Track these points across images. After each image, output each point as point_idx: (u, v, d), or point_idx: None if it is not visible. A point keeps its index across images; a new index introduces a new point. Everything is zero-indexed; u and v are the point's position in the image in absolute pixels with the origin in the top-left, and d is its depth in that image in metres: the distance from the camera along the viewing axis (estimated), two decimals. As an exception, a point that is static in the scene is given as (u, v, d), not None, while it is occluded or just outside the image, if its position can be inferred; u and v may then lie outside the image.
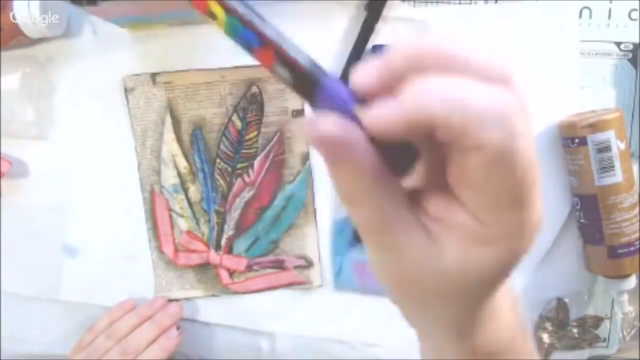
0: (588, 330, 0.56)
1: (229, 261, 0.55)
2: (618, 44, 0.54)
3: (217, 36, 0.54)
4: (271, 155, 0.54)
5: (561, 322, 0.56)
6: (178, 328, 0.54)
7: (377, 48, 0.52)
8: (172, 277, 0.55)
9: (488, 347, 0.25)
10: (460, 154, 0.19)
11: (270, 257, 0.55)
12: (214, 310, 0.56)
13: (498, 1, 0.53)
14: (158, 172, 0.54)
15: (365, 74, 0.20)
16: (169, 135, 0.54)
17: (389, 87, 0.19)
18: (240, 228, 0.55)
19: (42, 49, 0.53)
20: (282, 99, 0.53)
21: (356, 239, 0.54)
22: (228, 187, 0.54)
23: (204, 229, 0.55)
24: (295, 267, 0.55)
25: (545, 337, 0.56)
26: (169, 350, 0.52)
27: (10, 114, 0.52)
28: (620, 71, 0.54)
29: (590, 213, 0.51)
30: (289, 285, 0.55)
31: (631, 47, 0.54)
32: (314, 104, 0.21)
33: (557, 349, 0.56)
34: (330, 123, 0.19)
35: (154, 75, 0.53)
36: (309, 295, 0.56)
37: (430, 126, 0.19)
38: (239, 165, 0.54)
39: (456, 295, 0.22)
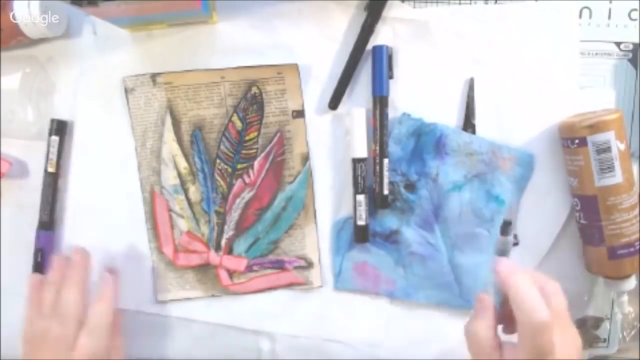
0: (588, 331, 0.56)
1: (229, 262, 0.55)
2: (618, 44, 0.54)
3: (217, 36, 0.54)
4: (271, 156, 0.54)
5: (561, 323, 0.56)
6: (110, 270, 0.51)
7: (377, 48, 0.52)
8: (172, 277, 0.55)
9: None
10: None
11: (271, 258, 0.55)
12: (214, 310, 0.56)
13: (498, 1, 0.53)
14: (158, 173, 0.54)
15: None
16: (169, 135, 0.54)
17: None
18: (241, 228, 0.55)
19: (42, 49, 0.53)
20: (282, 100, 0.53)
21: (356, 239, 0.54)
22: (228, 188, 0.54)
23: (204, 229, 0.55)
24: (295, 268, 0.55)
25: (545, 337, 0.56)
26: (111, 296, 0.48)
27: (10, 114, 0.52)
28: (620, 71, 0.54)
29: (590, 214, 0.51)
30: (289, 285, 0.56)
31: (631, 47, 0.54)
32: None
33: (557, 349, 0.56)
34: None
35: (154, 76, 0.53)
36: (309, 295, 0.56)
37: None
38: (239, 166, 0.54)
39: None
